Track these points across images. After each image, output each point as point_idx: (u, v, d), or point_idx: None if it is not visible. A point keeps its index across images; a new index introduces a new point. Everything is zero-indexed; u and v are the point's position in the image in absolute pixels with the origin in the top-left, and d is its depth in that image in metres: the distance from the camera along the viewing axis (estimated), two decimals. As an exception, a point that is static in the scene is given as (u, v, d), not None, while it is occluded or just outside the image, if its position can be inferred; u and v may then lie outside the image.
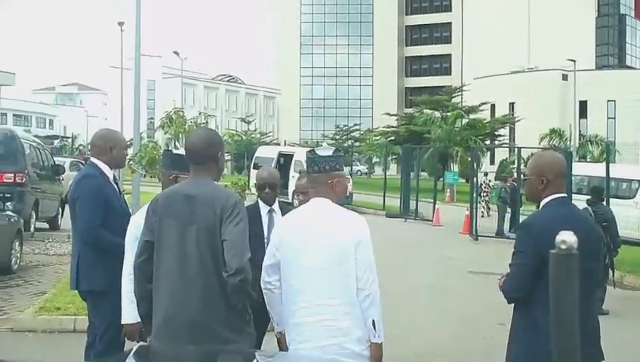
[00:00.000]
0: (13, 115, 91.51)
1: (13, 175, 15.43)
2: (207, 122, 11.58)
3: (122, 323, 4.62)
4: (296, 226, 3.95)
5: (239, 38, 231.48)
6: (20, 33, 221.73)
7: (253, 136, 76.69)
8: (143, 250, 3.94)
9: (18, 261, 12.14)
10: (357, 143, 67.06)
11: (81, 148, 73.71)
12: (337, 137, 75.05)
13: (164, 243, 3.86)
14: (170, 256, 3.85)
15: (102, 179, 5.27)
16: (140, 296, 4.01)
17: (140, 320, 4.23)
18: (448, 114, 47.98)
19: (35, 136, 20.22)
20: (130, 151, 30.73)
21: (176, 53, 65.65)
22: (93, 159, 5.41)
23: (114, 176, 5.48)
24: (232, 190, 11.26)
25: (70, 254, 6.06)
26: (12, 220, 12.10)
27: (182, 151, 5.10)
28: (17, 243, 12.13)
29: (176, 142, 14.90)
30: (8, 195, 14.03)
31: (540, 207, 3.96)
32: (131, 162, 11.59)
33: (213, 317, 3.82)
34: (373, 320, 3.80)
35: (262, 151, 36.79)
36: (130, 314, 4.51)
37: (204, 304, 3.81)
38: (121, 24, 40.08)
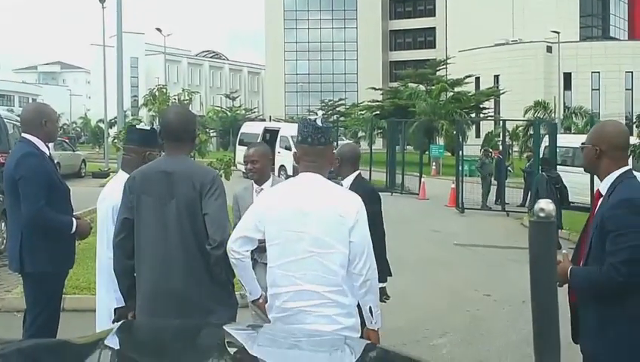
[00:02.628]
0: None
1: (-4, 155, 15.33)
2: (190, 99, 11.53)
3: (116, 306, 4.52)
4: (286, 203, 3.63)
5: (223, 14, 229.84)
6: (1, 12, 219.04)
7: (238, 112, 76.40)
8: (122, 228, 3.97)
9: (3, 241, 12.10)
10: (342, 118, 66.99)
11: (64, 127, 73.19)
12: (322, 112, 74.90)
13: (143, 219, 3.90)
14: (150, 232, 3.90)
15: (41, 156, 5.07)
16: (120, 272, 4.05)
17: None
18: (433, 87, 48.00)
19: (19, 115, 20.02)
20: (115, 129, 30.53)
21: (158, 29, 65.05)
22: (25, 135, 5.15)
23: (49, 153, 5.23)
24: (218, 166, 11.32)
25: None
26: (-4, 200, 12.03)
27: (145, 126, 5.07)
28: (3, 223, 12.09)
29: (160, 119, 14.79)
30: (-8, 175, 13.93)
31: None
32: (116, 140, 11.55)
33: (197, 289, 3.89)
34: (370, 307, 3.66)
35: (247, 128, 36.71)
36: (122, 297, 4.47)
37: (187, 277, 3.87)
38: (102, 1, 39.63)
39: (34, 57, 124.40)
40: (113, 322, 4.54)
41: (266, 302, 3.77)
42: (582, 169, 18.88)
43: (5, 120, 16.66)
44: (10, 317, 7.92)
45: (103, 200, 4.68)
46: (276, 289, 3.59)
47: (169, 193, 3.88)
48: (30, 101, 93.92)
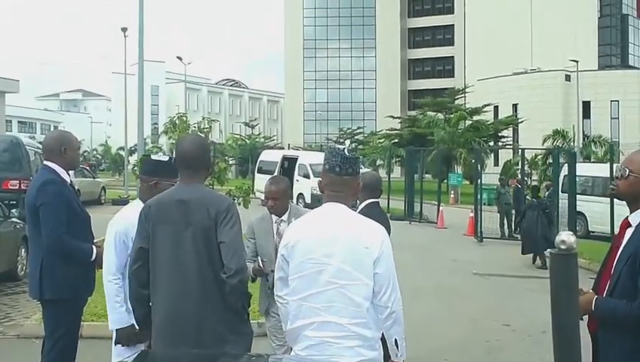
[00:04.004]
0: (18, 121, 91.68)
1: (18, 181, 15.52)
2: (210, 127, 11.60)
3: (113, 328, 4.54)
4: (310, 234, 3.57)
5: (243, 43, 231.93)
6: (24, 40, 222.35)
7: (257, 140, 76.73)
8: (138, 257, 3.96)
9: (24, 268, 12.19)
10: (361, 146, 67.09)
11: (85, 154, 73.82)
12: (341, 140, 75.03)
13: (159, 248, 3.90)
14: (166, 260, 3.89)
15: (62, 183, 5.09)
16: (135, 301, 4.04)
17: (132, 322, 4.32)
18: (451, 116, 48.02)
19: (40, 142, 20.27)
20: (134, 156, 30.62)
21: (179, 58, 65.67)
22: (47, 162, 5.20)
23: (70, 180, 5.27)
24: (237, 194, 11.36)
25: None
26: (17, 227, 12.14)
27: (162, 157, 5.09)
28: (23, 249, 12.18)
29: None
30: (13, 202, 14.09)
31: None
32: (136, 168, 11.63)
33: (213, 318, 3.88)
34: (395, 339, 3.57)
35: (266, 155, 36.82)
36: (120, 318, 4.49)
37: (202, 306, 3.86)
38: (124, 30, 40.17)
39: (56, 85, 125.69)
40: (115, 344, 4.58)
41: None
42: (602, 198, 18.83)
43: (27, 147, 16.87)
44: (29, 343, 7.93)
45: (111, 225, 4.68)
46: (301, 321, 3.52)
47: (185, 221, 3.88)
48: (52, 128, 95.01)
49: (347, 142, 50.66)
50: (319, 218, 3.64)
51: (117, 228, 4.55)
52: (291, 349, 3.69)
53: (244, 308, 3.99)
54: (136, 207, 4.48)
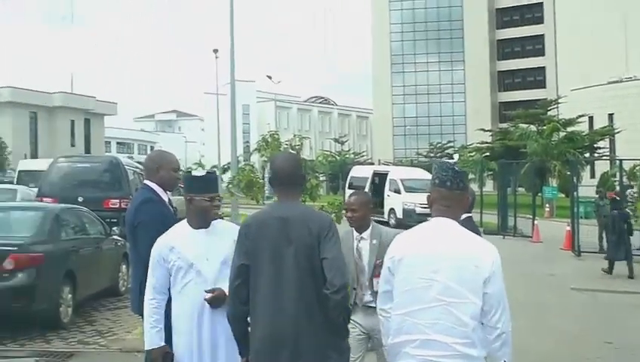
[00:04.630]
0: (117, 142, 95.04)
1: (118, 201, 16.07)
2: (301, 144, 11.76)
3: (147, 348, 4.49)
4: (417, 249, 3.50)
5: (331, 60, 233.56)
6: (121, 64, 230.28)
7: (347, 156, 77.00)
8: (239, 274, 3.98)
9: (125, 283, 12.60)
10: (451, 160, 66.24)
11: (180, 173, 75.53)
12: (431, 155, 74.51)
13: (260, 265, 3.92)
14: (267, 277, 3.91)
15: (160, 202, 5.16)
16: (235, 318, 4.06)
17: (162, 344, 4.41)
18: (544, 127, 46.96)
19: (138, 162, 20.99)
20: (228, 174, 31.29)
21: (269, 77, 66.86)
22: (147, 181, 5.30)
23: (169, 199, 5.32)
24: (329, 210, 11.45)
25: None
26: (119, 244, 12.57)
27: (199, 172, 5.10)
28: (124, 266, 12.60)
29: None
30: (114, 220, 14.57)
31: None
32: (230, 185, 11.88)
33: (313, 334, 3.88)
34: None
35: (356, 171, 36.87)
36: (153, 338, 4.47)
37: (304, 322, 3.87)
38: (215, 51, 41.12)
39: (152, 106, 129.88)
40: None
41: None
42: None
43: (126, 167, 17.47)
44: (131, 357, 8.17)
45: (154, 245, 4.67)
46: (403, 337, 3.46)
47: (286, 238, 3.89)
48: (148, 148, 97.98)
49: (456, 156, 50.19)
50: (428, 232, 3.58)
51: (155, 248, 4.55)
52: None
53: (344, 325, 3.99)
54: (177, 226, 4.61)
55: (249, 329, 4.06)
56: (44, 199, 15.77)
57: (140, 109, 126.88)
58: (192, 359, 4.40)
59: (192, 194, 4.53)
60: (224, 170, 45.52)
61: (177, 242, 4.49)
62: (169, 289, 4.51)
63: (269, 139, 11.28)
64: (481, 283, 3.36)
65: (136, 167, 18.88)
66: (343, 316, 3.92)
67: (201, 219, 4.52)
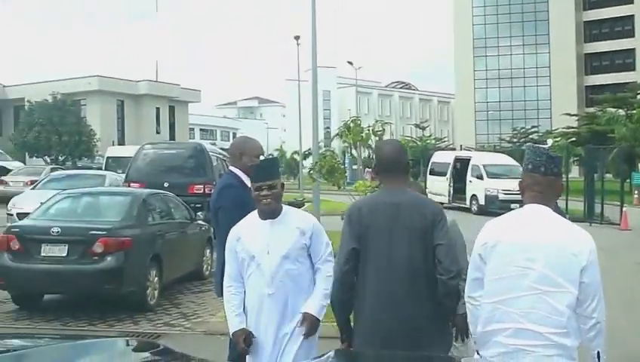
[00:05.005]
0: (200, 129, 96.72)
1: (202, 186, 16.40)
2: (383, 130, 11.70)
3: (230, 331, 4.52)
4: (511, 236, 3.45)
5: (412, 44, 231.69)
6: (204, 52, 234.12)
7: (428, 141, 76.30)
8: (349, 258, 3.99)
9: (209, 267, 12.84)
10: (544, 145, 64.95)
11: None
12: (515, 140, 73.15)
13: (371, 250, 3.96)
14: (379, 262, 3.95)
15: (241, 187, 5.22)
16: (340, 302, 4.09)
17: (242, 326, 4.38)
18: (634, 111, 45.44)
19: (221, 149, 21.34)
20: (309, 160, 31.43)
21: (350, 63, 66.76)
22: (231, 167, 5.44)
23: None
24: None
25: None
26: (203, 229, 12.82)
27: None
28: (208, 250, 12.85)
29: (353, 150, 15.21)
30: (199, 205, 14.87)
31: None
32: (311, 171, 11.93)
33: (423, 319, 3.93)
34: (598, 352, 3.40)
35: (438, 157, 36.56)
36: (233, 322, 4.47)
37: (414, 307, 3.91)
38: (297, 38, 41.32)
39: (234, 93, 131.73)
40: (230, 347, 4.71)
41: None
42: None
43: (210, 153, 17.78)
44: (215, 339, 8.31)
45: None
46: (495, 326, 3.42)
47: (399, 224, 3.93)
48: (230, 135, 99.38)
49: (549, 141, 49.16)
50: (522, 219, 3.52)
51: (229, 236, 4.57)
52: (477, 352, 3.62)
53: (453, 310, 4.08)
54: (250, 216, 4.54)
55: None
56: (132, 184, 16.20)
57: (223, 96, 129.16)
58: (257, 352, 4.37)
59: (252, 183, 4.47)
60: (305, 156, 45.79)
61: (244, 233, 4.44)
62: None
63: (351, 125, 11.25)
64: (578, 272, 3.30)
65: (220, 154, 19.19)
66: (454, 301, 3.97)
67: (260, 210, 4.41)
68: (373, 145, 12.40)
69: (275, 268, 4.28)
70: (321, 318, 4.30)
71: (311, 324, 4.24)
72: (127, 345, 2.95)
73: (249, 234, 4.40)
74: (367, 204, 4.12)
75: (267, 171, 4.45)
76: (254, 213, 4.48)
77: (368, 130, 11.47)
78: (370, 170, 12.79)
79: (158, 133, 67.95)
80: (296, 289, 4.30)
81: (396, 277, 3.89)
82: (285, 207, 4.51)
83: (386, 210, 3.97)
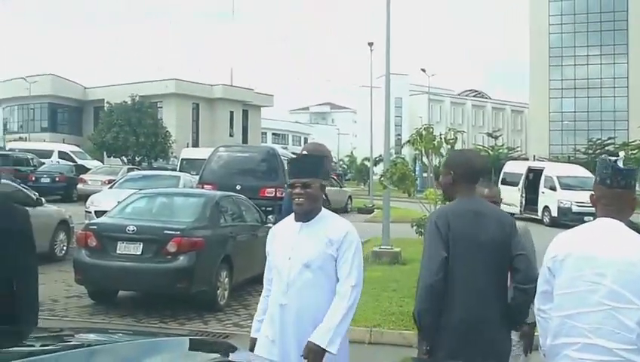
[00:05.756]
0: (272, 133, 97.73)
1: (274, 189, 16.59)
2: (455, 138, 11.61)
3: (252, 336, 4.36)
4: (581, 250, 3.38)
5: (485, 53, 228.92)
6: (277, 57, 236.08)
7: (500, 151, 75.20)
8: (441, 267, 3.88)
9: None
10: (614, 157, 63.23)
11: (333, 164, 76.64)
12: (590, 151, 71.50)
13: (458, 258, 3.92)
14: (465, 270, 3.91)
15: None
16: (430, 314, 3.94)
17: (256, 335, 4.26)
18: None
19: (293, 153, 21.56)
20: (380, 167, 31.33)
21: (423, 70, 66.39)
22: None
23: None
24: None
25: None
26: (274, 232, 12.93)
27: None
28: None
29: (424, 158, 15.11)
30: (270, 209, 15.03)
31: None
32: (382, 178, 11.93)
33: (505, 331, 4.01)
34: None
35: (510, 167, 36.00)
36: (253, 328, 4.38)
37: (497, 316, 3.94)
38: (370, 44, 41.33)
39: (306, 99, 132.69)
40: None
41: None
42: None
43: (282, 157, 17.97)
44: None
45: None
46: (563, 339, 3.39)
47: (483, 233, 3.92)
48: (302, 140, 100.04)
49: (621, 153, 48.01)
50: (593, 233, 3.45)
51: (268, 237, 4.44)
52: None
53: (525, 317, 4.13)
54: (288, 217, 4.30)
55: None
56: (205, 186, 16.50)
57: (295, 102, 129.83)
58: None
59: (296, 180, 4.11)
60: (376, 163, 45.73)
61: (277, 233, 4.25)
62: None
63: (423, 133, 11.21)
64: None
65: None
66: (528, 309, 3.99)
67: (294, 210, 4.14)
68: (444, 154, 12.33)
69: (293, 277, 3.99)
70: (332, 350, 3.88)
71: (314, 357, 3.88)
72: (198, 343, 3.01)
73: (279, 237, 4.20)
74: (453, 212, 4.02)
75: (303, 167, 4.12)
76: (292, 215, 4.22)
77: (440, 138, 11.42)
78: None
79: (231, 136, 68.95)
80: (315, 303, 3.98)
81: (481, 286, 3.90)
82: (323, 211, 4.17)
83: (472, 219, 3.95)
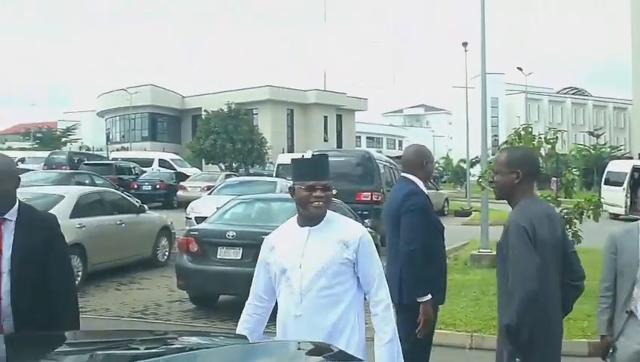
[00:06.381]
0: (366, 137, 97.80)
1: (370, 193, 16.59)
2: (556, 138, 11.29)
3: None
4: None
5: (585, 50, 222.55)
6: (370, 60, 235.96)
7: (602, 150, 72.94)
8: (538, 273, 3.77)
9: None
10: None
11: (435, 166, 76.09)
12: None
13: (543, 260, 3.85)
14: (550, 275, 3.90)
15: (422, 195, 5.27)
16: (529, 324, 3.78)
17: None
18: None
19: (388, 157, 21.51)
20: (476, 168, 30.84)
21: (519, 69, 65.11)
22: (406, 174, 5.40)
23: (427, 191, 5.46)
24: (586, 207, 10.91)
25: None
26: (371, 236, 12.90)
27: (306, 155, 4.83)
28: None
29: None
30: (366, 212, 15.03)
31: None
32: (480, 179, 11.73)
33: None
34: None
35: (614, 166, 34.89)
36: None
37: (559, 310, 4.05)
38: (465, 44, 40.83)
39: (400, 101, 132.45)
40: None
41: None
42: None
43: (377, 161, 17.95)
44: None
45: None
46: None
47: (555, 235, 3.95)
48: (396, 143, 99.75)
49: None
50: None
51: (263, 246, 4.10)
52: None
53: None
54: (288, 222, 3.99)
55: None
56: (300, 191, 16.62)
57: (389, 104, 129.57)
58: None
59: (293, 182, 3.80)
60: (472, 164, 45.12)
61: (279, 242, 3.83)
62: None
63: (522, 133, 10.95)
64: None
65: (387, 161, 19.31)
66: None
67: (303, 214, 3.76)
68: (543, 154, 12.03)
69: (306, 285, 3.64)
70: None
71: None
72: (300, 348, 3.02)
73: (283, 243, 3.78)
74: (535, 216, 3.92)
75: (322, 169, 3.80)
76: (291, 220, 3.90)
77: (540, 137, 11.13)
78: (556, 179, 12.33)
79: (325, 140, 69.39)
80: (331, 314, 3.66)
81: (555, 290, 3.94)
82: (329, 213, 3.81)
83: (548, 223, 3.94)
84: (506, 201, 4.19)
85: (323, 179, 3.71)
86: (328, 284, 3.61)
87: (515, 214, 3.95)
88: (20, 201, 3.69)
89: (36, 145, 69.23)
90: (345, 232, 3.70)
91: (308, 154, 4.64)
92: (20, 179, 3.74)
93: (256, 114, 65.99)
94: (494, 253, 14.10)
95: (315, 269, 3.61)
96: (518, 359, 3.86)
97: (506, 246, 3.90)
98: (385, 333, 3.69)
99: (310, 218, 3.71)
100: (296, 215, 3.81)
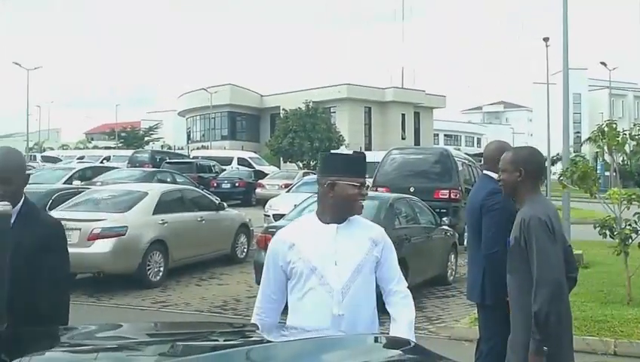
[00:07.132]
0: (444, 135, 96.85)
1: (448, 191, 16.46)
2: (642, 134, 10.90)
3: None
4: None
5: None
6: (449, 57, 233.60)
7: (692, 147, 70.26)
8: (563, 264, 4.06)
9: (454, 273, 12.83)
10: None
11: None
12: None
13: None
14: (566, 269, 4.14)
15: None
16: (559, 312, 3.90)
17: None
18: None
19: (467, 154, 21.26)
20: (559, 166, 30.18)
21: (603, 63, 63.27)
22: (487, 172, 5.33)
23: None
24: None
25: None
26: (448, 234, 12.83)
27: (345, 151, 4.65)
28: (453, 255, 12.84)
29: (605, 156, 14.37)
30: (444, 210, 14.91)
31: None
32: (562, 177, 11.46)
33: None
34: None
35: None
36: None
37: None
38: (546, 40, 40.02)
39: (479, 98, 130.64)
40: None
41: None
42: None
43: (455, 158, 17.77)
44: (459, 345, 8.31)
45: None
46: None
47: (561, 229, 4.16)
48: (475, 141, 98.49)
49: None
50: None
51: (271, 244, 3.89)
52: None
53: None
54: (303, 219, 3.98)
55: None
56: (378, 189, 16.62)
57: (468, 101, 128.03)
58: None
59: (336, 177, 3.57)
60: (553, 162, 44.19)
61: (299, 239, 3.63)
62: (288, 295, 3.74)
63: (606, 129, 10.61)
64: None
65: (465, 159, 19.10)
66: None
67: (340, 211, 3.61)
68: (629, 151, 11.67)
69: (345, 283, 3.54)
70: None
71: None
72: (377, 341, 3.03)
73: (307, 240, 3.60)
74: (550, 210, 4.14)
75: (363, 167, 3.69)
76: (307, 217, 3.80)
77: (625, 134, 10.77)
78: None
79: (403, 138, 69.03)
80: (367, 311, 3.64)
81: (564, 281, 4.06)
82: None
83: (556, 218, 4.11)
84: (587, 199, 4.50)
85: (363, 177, 3.64)
86: (364, 281, 3.57)
87: (530, 209, 4.04)
88: (25, 197, 3.51)
89: (120, 144, 71.27)
90: (371, 231, 3.67)
91: (348, 150, 4.42)
92: (29, 176, 3.58)
93: (334, 112, 66.15)
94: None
95: (352, 267, 3.54)
96: (545, 348, 3.86)
97: (524, 240, 3.99)
98: (404, 306, 3.74)
99: (342, 215, 3.60)
100: (314, 211, 3.70)
